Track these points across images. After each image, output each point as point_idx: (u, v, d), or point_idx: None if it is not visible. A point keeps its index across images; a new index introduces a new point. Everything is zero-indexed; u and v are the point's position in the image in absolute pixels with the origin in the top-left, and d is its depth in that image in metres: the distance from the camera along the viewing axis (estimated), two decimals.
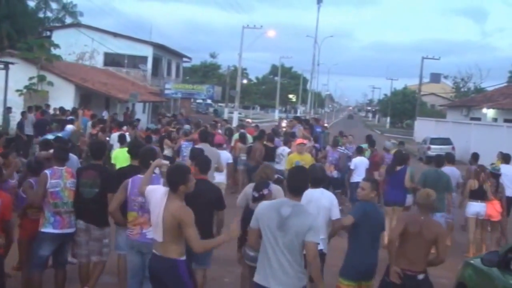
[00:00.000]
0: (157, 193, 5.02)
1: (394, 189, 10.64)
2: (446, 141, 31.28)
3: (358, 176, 12.46)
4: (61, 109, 20.66)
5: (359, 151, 13.66)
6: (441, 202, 9.49)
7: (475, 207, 10.40)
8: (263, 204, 5.04)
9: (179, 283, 4.88)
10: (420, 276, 5.81)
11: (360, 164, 13.13)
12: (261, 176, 6.64)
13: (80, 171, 6.77)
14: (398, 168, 10.80)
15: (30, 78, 26.26)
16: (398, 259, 5.83)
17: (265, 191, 6.12)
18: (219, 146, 11.63)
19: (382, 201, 11.36)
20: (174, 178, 4.90)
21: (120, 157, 9.38)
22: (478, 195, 10.37)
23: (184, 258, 4.94)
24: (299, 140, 12.57)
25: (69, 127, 14.91)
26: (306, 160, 11.06)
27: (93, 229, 6.47)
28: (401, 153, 11.59)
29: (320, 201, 6.13)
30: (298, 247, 4.66)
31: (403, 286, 5.80)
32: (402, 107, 74.15)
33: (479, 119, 37.44)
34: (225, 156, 11.56)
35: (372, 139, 15.39)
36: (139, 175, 6.00)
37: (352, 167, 13.26)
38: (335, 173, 13.73)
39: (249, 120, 32.49)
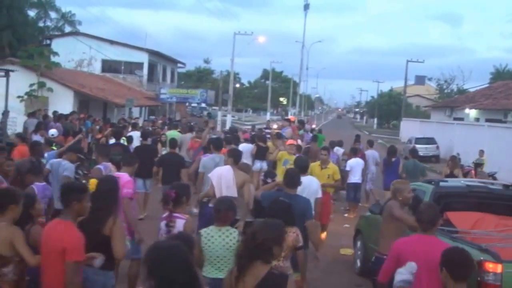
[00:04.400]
0: (222, 171, 7.73)
1: (389, 177, 12.25)
2: (430, 141, 32.11)
3: (354, 177, 13.45)
4: (54, 114, 20.87)
5: (354, 152, 14.22)
6: None
7: None
8: (205, 158, 9.18)
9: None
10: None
11: (355, 165, 13.63)
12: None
13: (110, 146, 11.38)
14: (393, 159, 13.03)
15: (31, 85, 26.87)
16: None
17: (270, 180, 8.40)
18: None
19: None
20: (239, 156, 8.17)
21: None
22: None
23: None
24: (290, 141, 12.88)
25: (53, 131, 15.16)
26: (293, 160, 11.91)
27: None
28: (393, 148, 14.10)
29: (311, 186, 7.44)
30: None
31: None
32: (389, 108, 74.97)
33: (462, 119, 38.08)
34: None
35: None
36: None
37: (347, 168, 13.65)
38: None
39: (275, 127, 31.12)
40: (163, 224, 5.49)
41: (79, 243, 4.42)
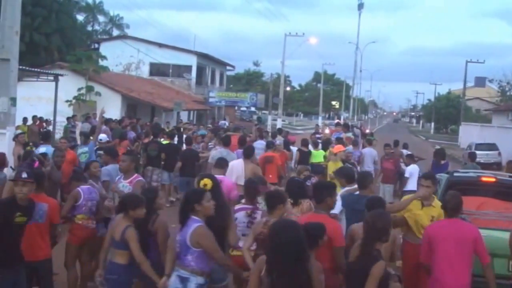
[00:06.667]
0: (234, 164, 9.48)
1: None
2: (491, 147, 30.64)
3: (411, 185, 12.50)
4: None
5: (412, 158, 13.52)
6: None
7: None
8: (215, 151, 11.59)
9: None
10: None
11: (415, 172, 12.92)
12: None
13: (148, 143, 13.88)
14: (442, 162, 12.58)
15: (79, 89, 27.34)
16: None
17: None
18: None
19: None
20: (250, 152, 10.05)
21: None
22: None
23: None
24: (338, 147, 12.02)
25: (102, 136, 14.09)
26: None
27: (155, 169, 13.53)
28: (442, 150, 13.72)
29: None
30: None
31: None
32: (446, 112, 72.43)
33: None
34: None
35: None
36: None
37: (407, 175, 13.03)
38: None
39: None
40: (240, 215, 6.22)
41: (340, 231, 5.53)
